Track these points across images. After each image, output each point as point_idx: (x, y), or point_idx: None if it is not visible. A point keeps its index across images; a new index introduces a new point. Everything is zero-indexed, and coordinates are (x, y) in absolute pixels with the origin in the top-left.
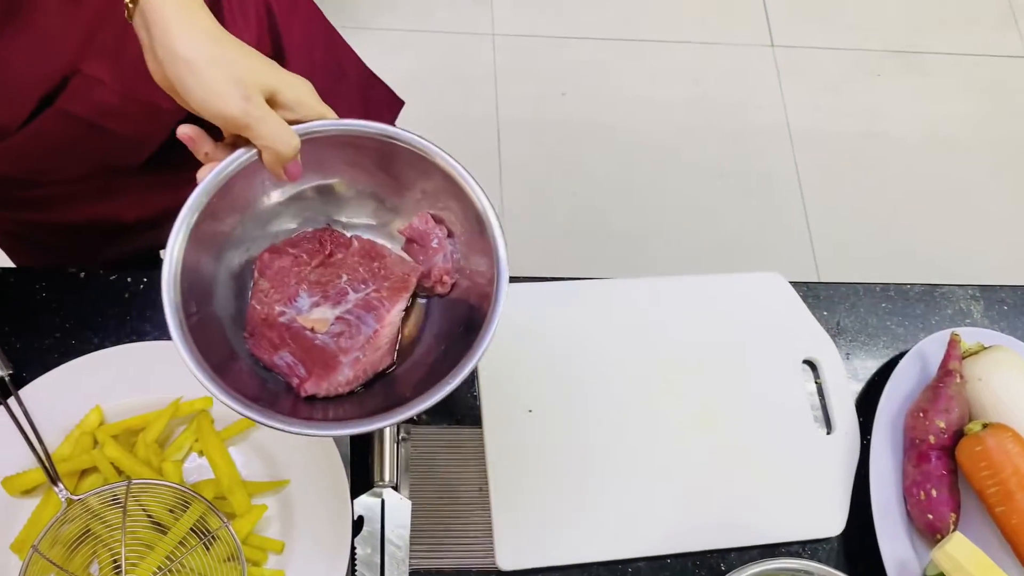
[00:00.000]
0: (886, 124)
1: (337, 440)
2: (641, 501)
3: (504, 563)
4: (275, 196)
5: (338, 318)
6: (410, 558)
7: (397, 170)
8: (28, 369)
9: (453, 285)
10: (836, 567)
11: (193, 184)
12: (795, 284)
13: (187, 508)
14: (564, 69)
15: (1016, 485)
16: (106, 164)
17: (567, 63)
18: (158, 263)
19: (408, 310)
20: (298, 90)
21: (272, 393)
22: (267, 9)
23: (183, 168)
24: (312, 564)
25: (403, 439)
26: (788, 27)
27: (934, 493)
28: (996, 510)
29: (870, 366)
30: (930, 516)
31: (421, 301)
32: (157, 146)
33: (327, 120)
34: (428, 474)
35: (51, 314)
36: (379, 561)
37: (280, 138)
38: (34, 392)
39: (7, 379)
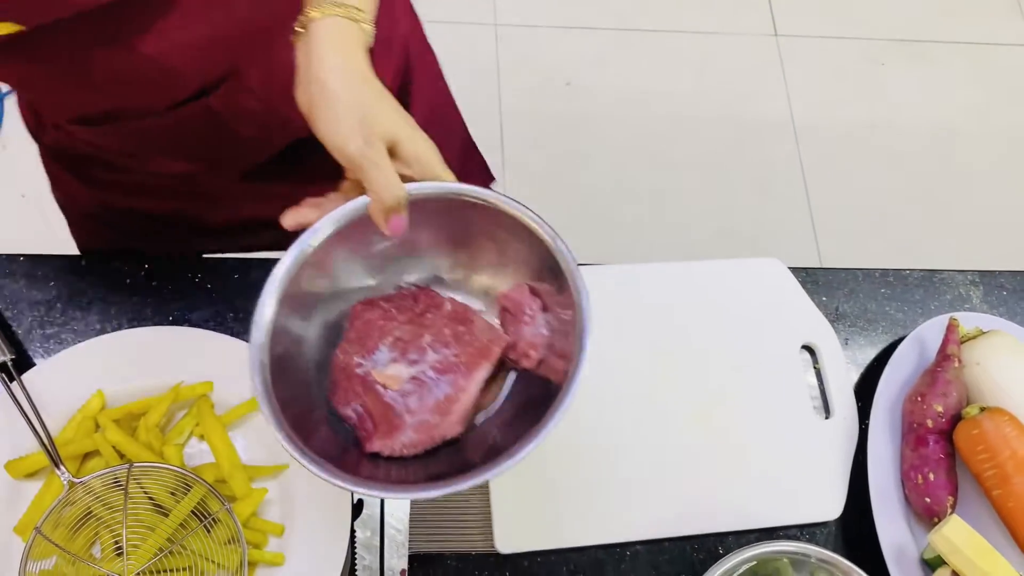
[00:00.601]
0: (891, 114)
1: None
2: (639, 485)
3: (503, 546)
4: (376, 251)
5: (412, 378)
6: (409, 541)
7: (502, 238)
8: (31, 354)
9: (540, 361)
10: (834, 551)
11: (286, 200)
12: (794, 270)
13: (188, 491)
14: (567, 59)
15: (1013, 468)
16: (214, 163)
17: (570, 53)
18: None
19: (489, 380)
20: (420, 146)
21: (342, 446)
22: (405, 57)
23: (279, 181)
24: (312, 547)
25: None
26: (792, 16)
27: (931, 477)
28: (993, 493)
29: (869, 351)
30: (928, 499)
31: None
32: (266, 158)
33: (440, 183)
34: None
35: (54, 300)
36: (379, 544)
37: (387, 187)
38: (37, 377)
39: (9, 363)
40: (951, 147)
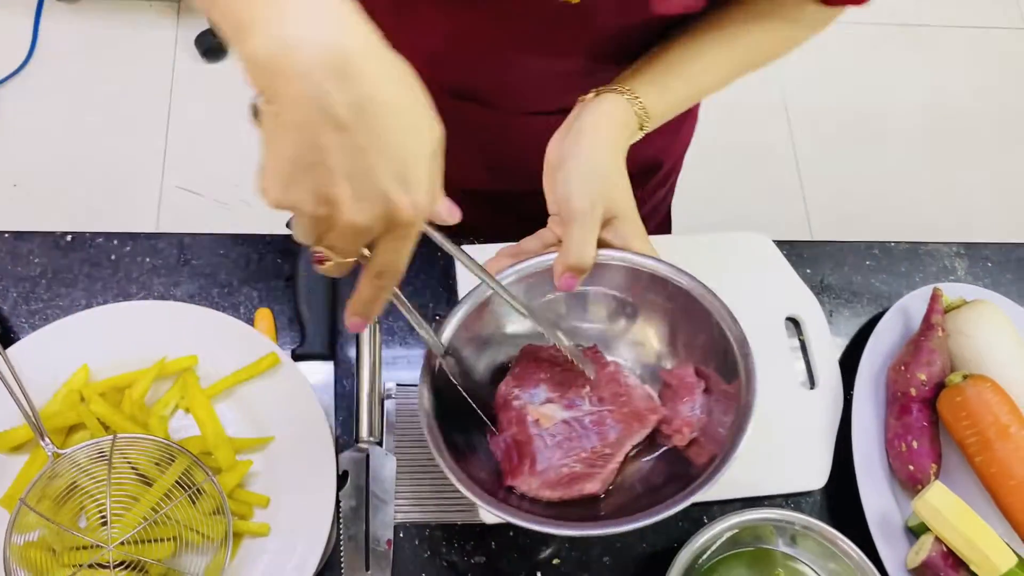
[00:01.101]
0: (885, 97)
1: (321, 396)
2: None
3: (488, 516)
4: (548, 304)
5: (564, 421)
6: (395, 511)
7: (675, 316)
8: (16, 329)
9: (691, 442)
10: (819, 520)
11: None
12: (779, 243)
13: (173, 462)
14: None
15: (995, 434)
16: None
17: None
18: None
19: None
20: (631, 228)
21: (492, 470)
22: None
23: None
24: (297, 518)
25: (388, 396)
26: None
27: (915, 445)
28: (975, 459)
29: (854, 323)
30: (911, 467)
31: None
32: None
33: (626, 253)
34: (412, 430)
35: (39, 276)
36: (364, 514)
37: (581, 247)
38: (21, 350)
39: None
40: (945, 130)
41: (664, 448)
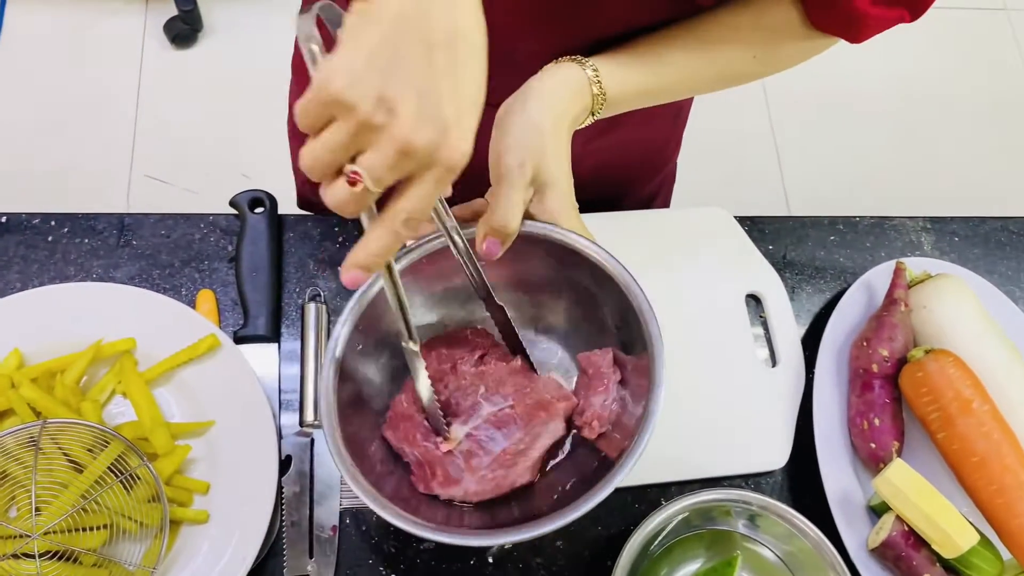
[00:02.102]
0: (862, 78)
1: (264, 379)
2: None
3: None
4: (448, 288)
5: (467, 435)
6: (340, 497)
7: (590, 295)
8: None
9: (601, 434)
10: (780, 500)
11: None
12: (740, 219)
13: (106, 448)
14: None
15: (957, 410)
16: None
17: None
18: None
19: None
20: (560, 202)
21: (397, 478)
22: None
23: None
24: (239, 504)
25: None
26: None
27: (877, 422)
28: (938, 436)
29: (818, 299)
30: (873, 445)
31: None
32: None
33: (551, 226)
34: None
35: None
36: (308, 501)
37: (507, 211)
38: None
39: None
40: (920, 111)
41: (578, 437)
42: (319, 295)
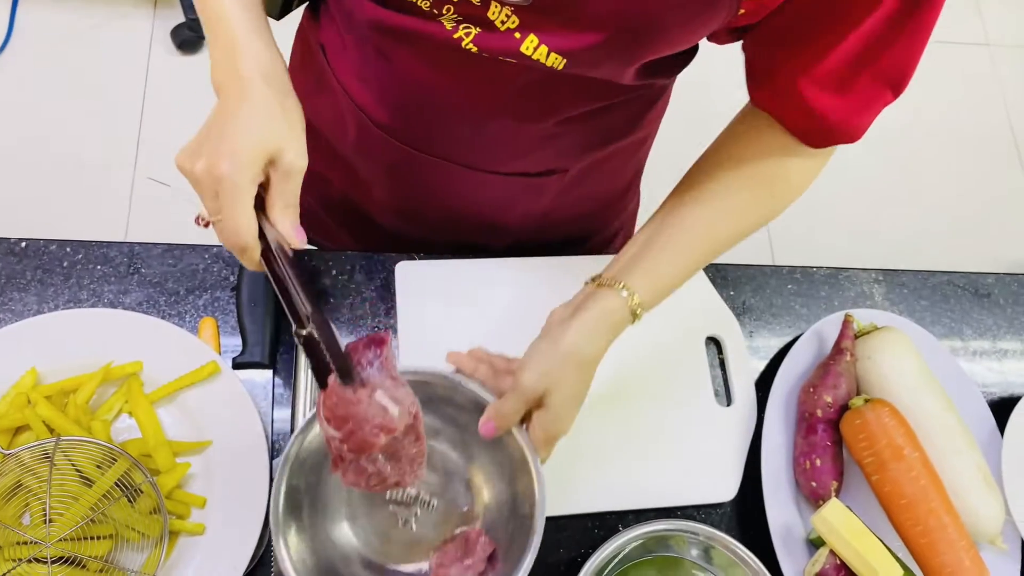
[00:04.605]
0: None
1: (259, 403)
2: (546, 464)
3: None
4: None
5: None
6: None
7: (518, 502)
8: None
9: None
10: (728, 530)
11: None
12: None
13: (114, 464)
14: None
15: (889, 455)
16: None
17: None
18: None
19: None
20: (545, 420)
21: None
22: None
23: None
24: (232, 517)
25: None
26: None
27: (818, 463)
28: (872, 478)
29: (773, 344)
30: (814, 484)
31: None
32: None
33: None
34: None
35: None
36: None
37: (508, 411)
38: None
39: None
40: (898, 145)
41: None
42: None
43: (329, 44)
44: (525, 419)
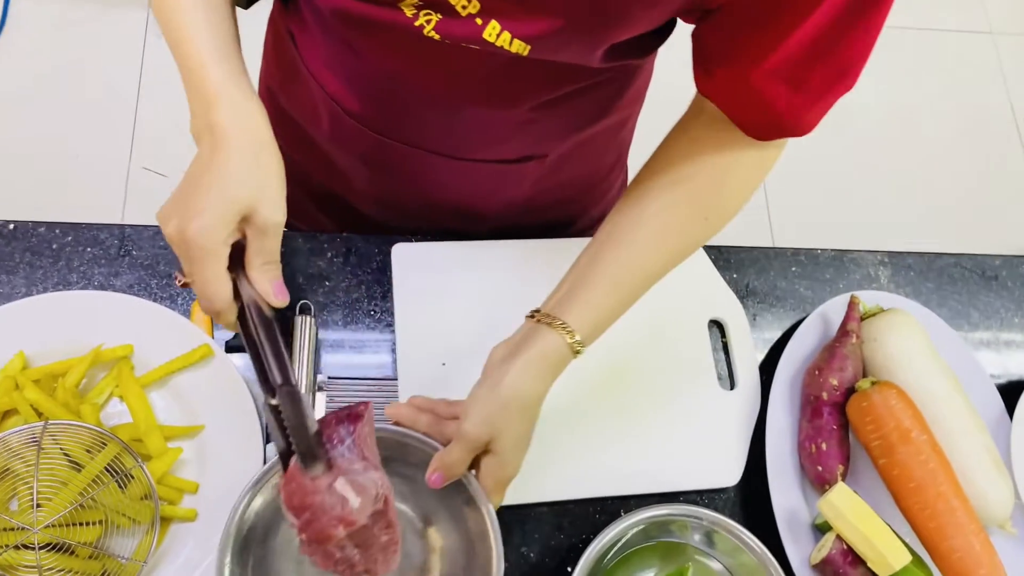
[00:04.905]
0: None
1: (252, 387)
2: (547, 449)
3: None
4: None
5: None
6: None
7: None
8: None
9: None
10: (732, 515)
11: None
12: (706, 248)
13: (104, 448)
14: None
15: (897, 439)
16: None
17: None
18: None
19: None
20: (493, 467)
21: None
22: None
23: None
24: (224, 504)
25: (319, 388)
26: None
27: (824, 447)
28: (879, 462)
29: (777, 327)
30: (820, 468)
31: None
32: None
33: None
34: None
35: None
36: None
37: (453, 461)
38: None
39: None
40: (905, 133)
41: None
42: (309, 308)
43: (298, 33)
44: (474, 465)
